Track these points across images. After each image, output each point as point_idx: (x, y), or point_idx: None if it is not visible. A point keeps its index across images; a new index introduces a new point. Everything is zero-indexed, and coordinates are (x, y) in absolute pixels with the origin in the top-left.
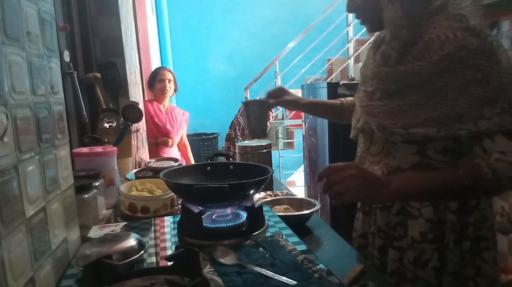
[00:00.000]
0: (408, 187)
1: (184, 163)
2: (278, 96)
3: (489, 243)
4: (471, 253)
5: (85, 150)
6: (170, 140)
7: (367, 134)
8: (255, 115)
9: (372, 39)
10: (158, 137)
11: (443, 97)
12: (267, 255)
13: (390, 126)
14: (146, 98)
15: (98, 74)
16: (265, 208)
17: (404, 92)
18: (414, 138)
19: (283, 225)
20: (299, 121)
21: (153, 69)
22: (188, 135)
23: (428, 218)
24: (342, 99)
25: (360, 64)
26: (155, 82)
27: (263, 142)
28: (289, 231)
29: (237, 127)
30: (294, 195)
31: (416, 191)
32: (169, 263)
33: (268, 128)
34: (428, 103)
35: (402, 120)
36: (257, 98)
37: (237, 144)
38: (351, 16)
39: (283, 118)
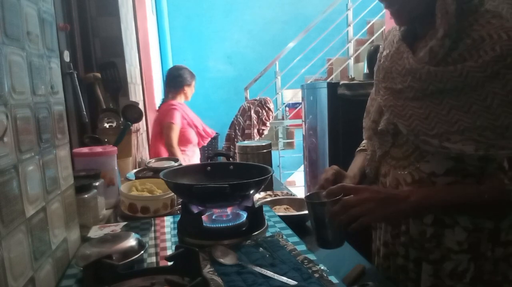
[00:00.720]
0: (428, 200)
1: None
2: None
3: None
4: (501, 260)
5: (85, 150)
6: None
7: (389, 136)
8: (322, 221)
9: (392, 30)
10: (205, 138)
11: (488, 104)
12: (267, 255)
13: (424, 132)
14: (171, 99)
15: (98, 74)
16: (265, 208)
17: (445, 94)
18: (447, 153)
19: (283, 225)
20: (299, 121)
21: (153, 69)
22: None
23: (465, 226)
24: (364, 148)
25: (360, 64)
26: (192, 82)
27: (263, 142)
28: (289, 231)
29: (237, 127)
30: (294, 195)
31: (438, 204)
32: (169, 263)
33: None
34: (470, 109)
35: (439, 126)
36: (322, 194)
37: (237, 144)
38: (351, 16)
39: (283, 118)
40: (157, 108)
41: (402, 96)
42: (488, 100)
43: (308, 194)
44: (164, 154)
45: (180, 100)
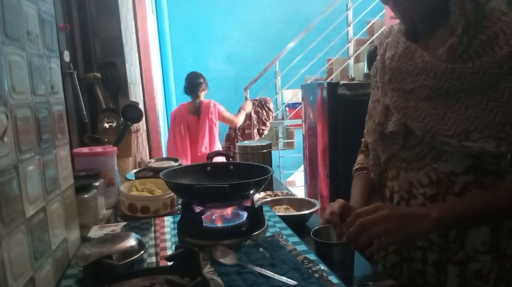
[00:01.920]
0: (450, 214)
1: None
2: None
3: None
4: None
5: (85, 150)
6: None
7: (399, 138)
8: (329, 261)
9: (391, 30)
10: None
11: (505, 100)
12: (267, 255)
13: (441, 133)
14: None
15: (98, 74)
16: (265, 208)
17: (460, 93)
18: (468, 152)
19: (283, 225)
20: (299, 121)
21: (153, 69)
22: None
23: (488, 225)
24: (361, 166)
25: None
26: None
27: (263, 142)
28: (289, 231)
29: (237, 127)
30: (294, 195)
31: (460, 216)
32: (169, 263)
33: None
34: (487, 107)
35: (456, 126)
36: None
37: (237, 144)
38: (351, 16)
39: (283, 118)
40: (175, 107)
41: (413, 97)
42: (505, 96)
43: (315, 228)
44: (193, 149)
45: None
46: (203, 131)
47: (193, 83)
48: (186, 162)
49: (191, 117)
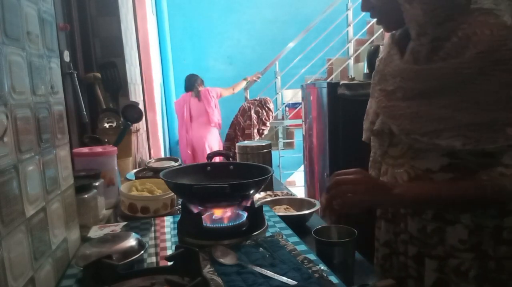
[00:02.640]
0: (411, 193)
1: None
2: None
3: None
4: (506, 258)
5: (85, 150)
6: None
7: (385, 136)
8: (329, 261)
9: (389, 35)
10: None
11: (477, 101)
12: (267, 255)
13: (414, 131)
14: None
15: (98, 74)
16: (265, 208)
17: (432, 93)
18: (437, 149)
19: (283, 225)
20: (299, 121)
21: (153, 69)
22: None
23: (466, 224)
24: None
25: (360, 64)
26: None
27: (263, 142)
28: (289, 231)
29: (237, 127)
30: (294, 195)
31: (421, 198)
32: (169, 263)
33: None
34: (459, 107)
35: (428, 125)
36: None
37: (237, 144)
38: (351, 16)
39: (283, 118)
40: (175, 99)
41: (394, 97)
42: (476, 97)
43: (316, 228)
44: (198, 126)
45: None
46: (207, 109)
47: (190, 81)
48: (192, 138)
49: (193, 99)
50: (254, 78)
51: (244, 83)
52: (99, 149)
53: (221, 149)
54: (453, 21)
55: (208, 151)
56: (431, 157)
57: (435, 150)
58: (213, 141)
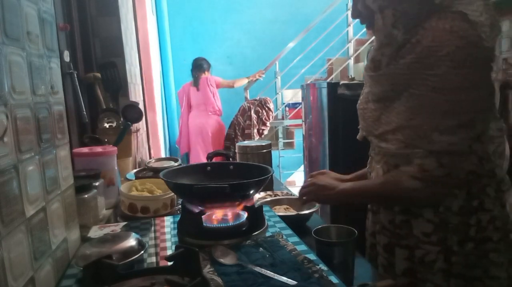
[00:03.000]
0: (350, 190)
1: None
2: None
3: (498, 245)
4: (476, 255)
5: (85, 150)
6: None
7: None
8: (329, 261)
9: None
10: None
11: (410, 105)
12: (267, 255)
13: (371, 133)
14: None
15: (98, 74)
16: (265, 208)
17: (388, 97)
18: (382, 151)
19: (283, 225)
20: (299, 121)
21: (153, 69)
22: None
23: (429, 219)
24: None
25: (361, 64)
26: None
27: (263, 142)
28: (289, 231)
29: (237, 127)
30: (294, 195)
31: (354, 194)
32: (169, 263)
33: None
34: (399, 110)
35: (382, 128)
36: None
37: (237, 144)
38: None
39: (283, 118)
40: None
41: (367, 100)
42: (410, 102)
43: (316, 228)
44: (197, 113)
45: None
46: (205, 97)
47: (195, 65)
48: (193, 125)
49: (192, 88)
50: (257, 76)
51: (245, 81)
52: (99, 149)
53: (224, 135)
54: (414, 28)
55: (210, 135)
56: (386, 159)
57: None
58: (214, 127)
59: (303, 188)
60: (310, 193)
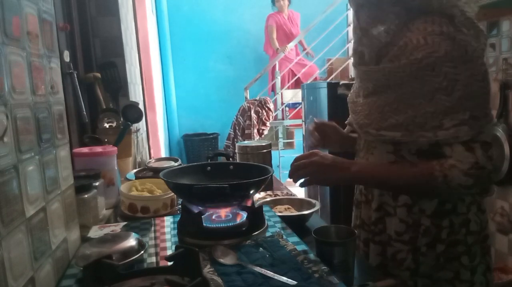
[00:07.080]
0: (365, 172)
1: None
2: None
3: (472, 249)
4: (445, 257)
5: (85, 150)
6: None
7: (356, 131)
8: (329, 261)
9: None
10: None
11: (411, 102)
12: (267, 255)
13: (366, 125)
14: None
15: (98, 74)
16: (265, 208)
17: (379, 92)
18: (384, 140)
19: (283, 225)
20: (299, 121)
21: (153, 69)
22: (188, 135)
23: (402, 219)
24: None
25: None
26: None
27: (263, 142)
28: (289, 231)
29: (237, 127)
30: (294, 195)
31: (373, 177)
32: (169, 263)
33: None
34: (398, 107)
35: (375, 122)
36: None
37: (237, 144)
38: (351, 16)
39: (283, 118)
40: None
41: (358, 95)
42: (411, 99)
43: (316, 228)
44: None
45: None
46: None
47: None
48: None
49: None
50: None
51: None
52: (99, 149)
53: None
54: (401, 29)
55: None
56: (380, 154)
57: (383, 143)
58: None
59: (298, 168)
60: (316, 173)
